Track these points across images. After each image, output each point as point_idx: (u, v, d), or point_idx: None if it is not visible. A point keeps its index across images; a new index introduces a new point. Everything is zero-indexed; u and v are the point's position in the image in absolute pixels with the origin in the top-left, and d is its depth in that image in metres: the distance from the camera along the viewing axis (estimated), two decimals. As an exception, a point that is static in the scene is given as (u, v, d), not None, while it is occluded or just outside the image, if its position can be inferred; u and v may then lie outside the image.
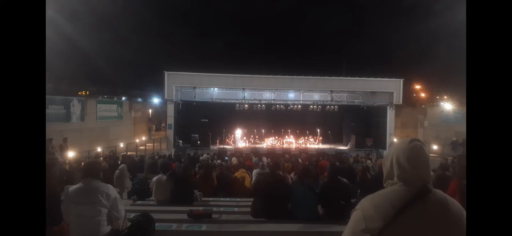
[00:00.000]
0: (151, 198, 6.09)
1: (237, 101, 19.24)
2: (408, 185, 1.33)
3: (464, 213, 1.29)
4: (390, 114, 19.42)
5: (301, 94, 20.07)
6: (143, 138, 23.25)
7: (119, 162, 9.77)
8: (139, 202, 6.00)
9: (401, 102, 19.56)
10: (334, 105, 19.65)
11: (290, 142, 20.12)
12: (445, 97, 28.89)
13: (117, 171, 8.25)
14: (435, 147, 18.79)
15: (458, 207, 1.31)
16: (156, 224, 3.71)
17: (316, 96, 20.04)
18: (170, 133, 18.83)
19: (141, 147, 19.43)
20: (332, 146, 20.18)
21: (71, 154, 12.40)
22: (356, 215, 1.35)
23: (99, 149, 15.90)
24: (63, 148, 12.31)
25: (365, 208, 1.33)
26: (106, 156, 11.67)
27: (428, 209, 1.28)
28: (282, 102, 19.58)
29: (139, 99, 34.82)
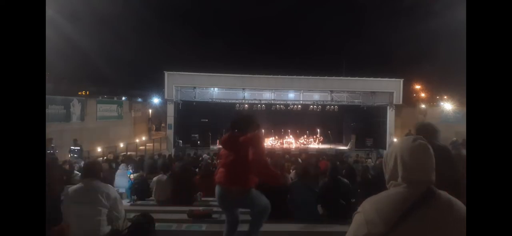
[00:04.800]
0: (151, 198, 6.10)
1: (237, 101, 19.23)
2: (412, 186, 1.29)
3: None
4: (390, 114, 19.41)
5: (301, 94, 20.06)
6: (143, 138, 23.26)
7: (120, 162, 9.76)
8: (139, 202, 6.01)
9: (401, 102, 19.55)
10: (334, 105, 19.64)
11: (290, 142, 20.10)
12: (445, 97, 28.88)
13: (118, 171, 8.25)
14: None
15: (462, 208, 1.28)
16: (156, 224, 3.71)
17: (316, 96, 20.03)
18: (170, 133, 18.82)
19: (141, 147, 19.43)
20: (332, 146, 20.16)
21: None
22: (358, 218, 1.31)
23: (99, 149, 15.91)
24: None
25: (367, 211, 1.29)
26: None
27: (433, 212, 1.24)
28: (282, 102, 19.57)
29: (139, 99, 34.77)
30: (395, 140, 17.18)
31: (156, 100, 32.32)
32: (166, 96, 18.85)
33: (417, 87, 37.55)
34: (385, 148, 18.59)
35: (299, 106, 19.64)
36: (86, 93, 31.84)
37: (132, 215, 3.73)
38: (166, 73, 18.66)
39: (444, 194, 1.31)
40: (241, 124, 3.25)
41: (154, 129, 29.78)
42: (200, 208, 4.90)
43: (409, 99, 29.23)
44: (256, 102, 19.29)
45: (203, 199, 5.88)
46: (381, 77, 19.70)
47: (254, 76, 19.38)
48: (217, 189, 3.19)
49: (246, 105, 19.13)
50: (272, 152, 15.78)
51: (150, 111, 30.48)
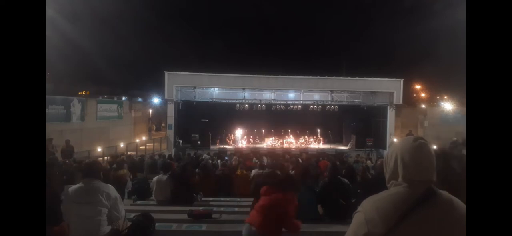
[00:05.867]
0: (151, 198, 6.10)
1: (237, 101, 19.22)
2: (412, 186, 1.29)
3: None
4: (390, 114, 19.40)
5: (301, 94, 20.06)
6: (143, 138, 23.25)
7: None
8: (139, 202, 6.01)
9: (401, 102, 19.55)
10: (334, 105, 19.63)
11: (290, 142, 20.11)
12: (445, 97, 28.89)
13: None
14: (435, 147, 18.71)
15: (463, 208, 1.27)
16: (156, 224, 3.72)
17: (316, 96, 20.03)
18: (170, 133, 18.81)
19: (141, 147, 19.43)
20: (332, 146, 20.17)
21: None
22: (358, 218, 1.31)
23: (99, 149, 15.91)
24: (64, 151, 12.25)
25: (367, 211, 1.29)
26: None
27: (434, 212, 1.24)
28: (282, 102, 19.56)
29: (139, 99, 34.75)
30: (395, 140, 17.17)
31: (156, 100, 32.30)
32: (166, 96, 18.84)
33: (417, 87, 37.55)
34: (385, 148, 18.60)
35: (299, 106, 19.63)
36: (86, 93, 31.86)
37: (132, 215, 3.74)
38: (166, 73, 18.65)
39: (445, 193, 1.31)
40: (288, 182, 3.57)
41: (154, 129, 29.76)
42: (200, 208, 4.90)
43: (409, 99, 29.22)
44: (256, 102, 19.28)
45: (203, 199, 5.88)
46: (381, 77, 19.70)
47: (254, 76, 19.38)
48: (248, 229, 3.30)
49: (246, 105, 19.14)
50: (272, 152, 15.82)
51: (150, 111, 30.48)
